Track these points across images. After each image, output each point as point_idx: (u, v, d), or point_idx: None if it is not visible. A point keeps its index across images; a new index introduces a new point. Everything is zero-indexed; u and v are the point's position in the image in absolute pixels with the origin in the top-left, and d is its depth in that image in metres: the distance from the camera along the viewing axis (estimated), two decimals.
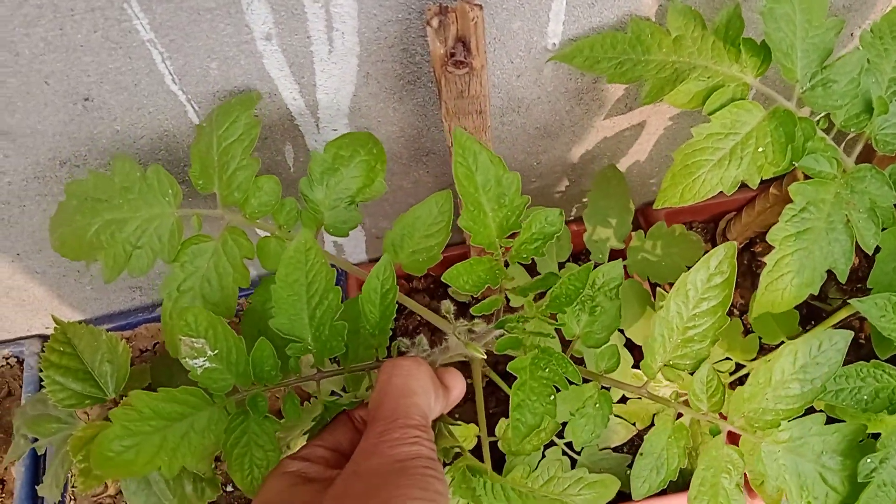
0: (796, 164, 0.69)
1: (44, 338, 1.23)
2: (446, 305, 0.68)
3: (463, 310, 1.13)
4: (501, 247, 0.67)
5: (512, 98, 0.89)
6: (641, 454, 0.73)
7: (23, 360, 1.22)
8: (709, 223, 1.25)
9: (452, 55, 0.69)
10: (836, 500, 0.68)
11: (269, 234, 0.73)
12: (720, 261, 0.69)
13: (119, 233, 0.69)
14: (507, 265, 0.68)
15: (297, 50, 0.74)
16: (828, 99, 0.70)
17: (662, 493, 0.95)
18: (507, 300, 1.03)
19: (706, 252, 0.80)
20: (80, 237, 0.69)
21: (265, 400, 0.64)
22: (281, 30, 0.71)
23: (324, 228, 0.73)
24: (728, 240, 1.22)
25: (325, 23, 0.72)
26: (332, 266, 0.66)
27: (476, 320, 0.67)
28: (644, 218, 1.21)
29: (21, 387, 1.20)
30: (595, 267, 0.71)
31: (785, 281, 0.68)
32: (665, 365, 0.72)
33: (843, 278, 0.69)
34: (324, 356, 0.64)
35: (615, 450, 1.07)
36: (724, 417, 0.74)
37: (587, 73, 0.76)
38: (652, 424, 1.07)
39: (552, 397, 0.62)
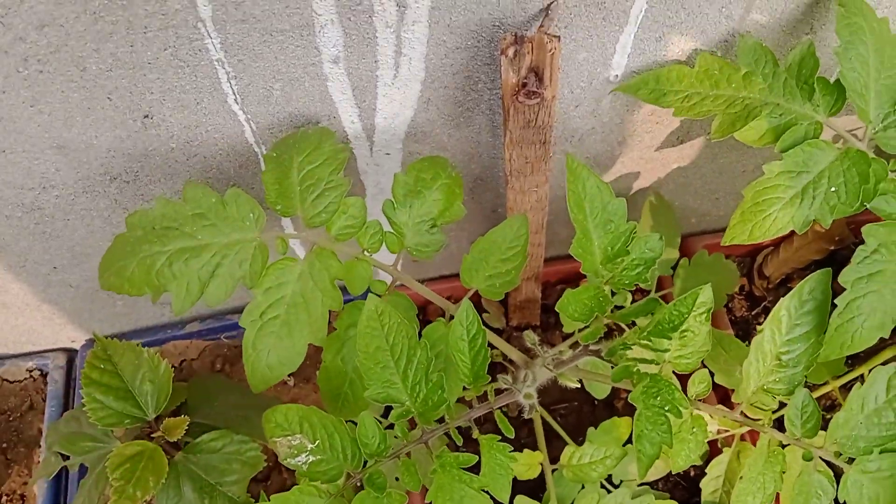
0: (868, 206, 0.69)
1: (69, 351, 1.21)
2: (531, 337, 0.68)
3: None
4: (606, 274, 0.66)
5: (567, 128, 0.88)
6: (741, 478, 0.73)
7: (46, 373, 1.20)
8: (745, 257, 1.24)
9: (524, 85, 0.68)
10: None
11: (352, 258, 0.72)
12: (813, 287, 0.69)
13: (194, 261, 0.67)
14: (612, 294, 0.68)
15: (363, 74, 0.74)
16: None
17: None
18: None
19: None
20: (148, 268, 0.67)
21: (382, 476, 0.62)
22: (349, 53, 0.71)
23: (407, 251, 0.72)
24: (765, 275, 1.21)
25: (395, 48, 0.71)
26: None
27: (562, 348, 0.66)
28: (680, 249, 1.20)
29: (44, 400, 1.18)
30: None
31: (856, 324, 0.68)
32: (759, 389, 0.73)
33: None
34: (428, 415, 0.63)
35: (651, 485, 1.05)
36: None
37: (652, 105, 0.75)
38: None
39: (665, 426, 0.62)
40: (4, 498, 1.14)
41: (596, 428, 0.99)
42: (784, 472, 0.72)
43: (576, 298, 0.65)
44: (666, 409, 0.63)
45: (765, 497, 0.72)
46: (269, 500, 0.61)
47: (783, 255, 1.19)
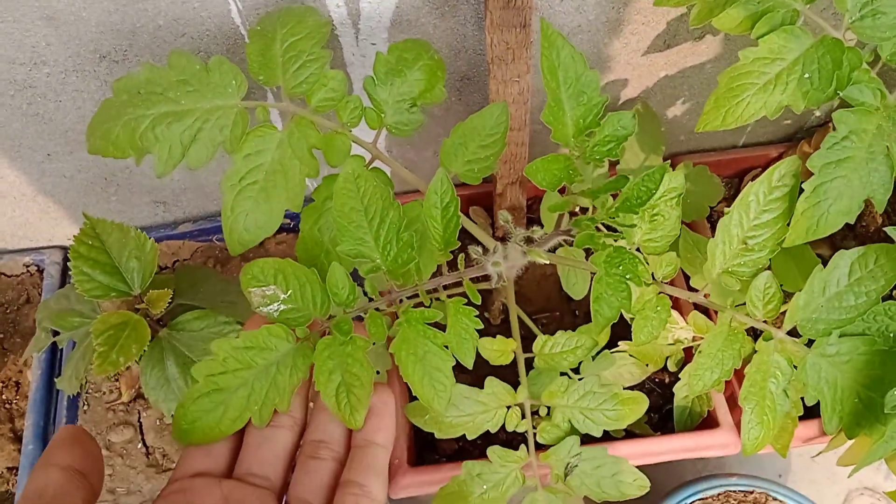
0: (841, 94, 0.69)
1: (64, 249, 1.24)
2: (504, 215, 0.69)
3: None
4: (577, 147, 0.67)
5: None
6: (700, 352, 0.76)
7: (43, 269, 1.23)
8: (732, 178, 1.25)
9: None
10: (867, 421, 0.70)
11: (332, 131, 0.73)
12: (783, 174, 0.71)
13: (176, 124, 0.68)
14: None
15: None
16: (876, 30, 0.69)
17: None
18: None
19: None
20: (132, 130, 0.68)
21: (349, 323, 0.64)
22: None
23: (386, 129, 0.74)
24: None
25: None
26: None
27: (534, 228, 0.68)
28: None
29: (40, 294, 1.21)
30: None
31: (822, 207, 0.69)
32: (724, 272, 0.75)
33: (880, 208, 0.69)
34: (397, 272, 0.65)
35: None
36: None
37: None
38: (665, 367, 1.08)
39: (626, 293, 0.64)
40: (0, 384, 1.17)
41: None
42: (743, 350, 0.74)
43: (545, 166, 0.66)
44: (627, 276, 0.65)
45: (722, 372, 0.74)
46: (242, 341, 0.63)
47: None
